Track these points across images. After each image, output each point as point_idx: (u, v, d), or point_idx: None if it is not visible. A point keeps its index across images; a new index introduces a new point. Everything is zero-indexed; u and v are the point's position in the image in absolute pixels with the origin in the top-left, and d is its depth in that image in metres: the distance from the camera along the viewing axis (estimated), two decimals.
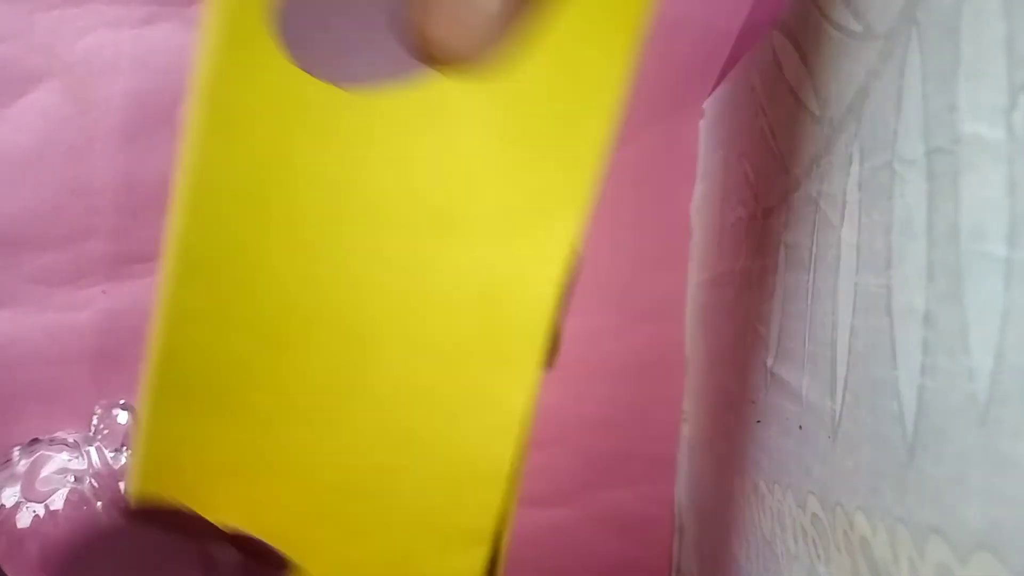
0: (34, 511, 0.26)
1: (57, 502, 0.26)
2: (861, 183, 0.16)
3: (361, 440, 0.18)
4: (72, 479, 0.26)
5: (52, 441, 0.28)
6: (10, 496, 0.26)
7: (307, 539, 0.19)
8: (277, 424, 0.18)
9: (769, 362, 0.22)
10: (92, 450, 0.27)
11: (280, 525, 0.19)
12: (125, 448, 0.29)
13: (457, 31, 0.14)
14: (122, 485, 0.28)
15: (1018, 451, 0.10)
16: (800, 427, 0.19)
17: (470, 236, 0.17)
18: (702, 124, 0.34)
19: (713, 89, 0.33)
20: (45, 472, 0.27)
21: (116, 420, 0.29)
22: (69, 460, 0.27)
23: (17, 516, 0.26)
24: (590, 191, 0.17)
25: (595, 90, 0.16)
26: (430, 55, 0.14)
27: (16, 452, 0.28)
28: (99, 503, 0.26)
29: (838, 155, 0.18)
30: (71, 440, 0.28)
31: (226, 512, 0.19)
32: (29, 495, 0.26)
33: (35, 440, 0.28)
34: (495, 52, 0.14)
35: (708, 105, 0.33)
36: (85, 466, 0.27)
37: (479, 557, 0.19)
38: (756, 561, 0.22)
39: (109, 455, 0.28)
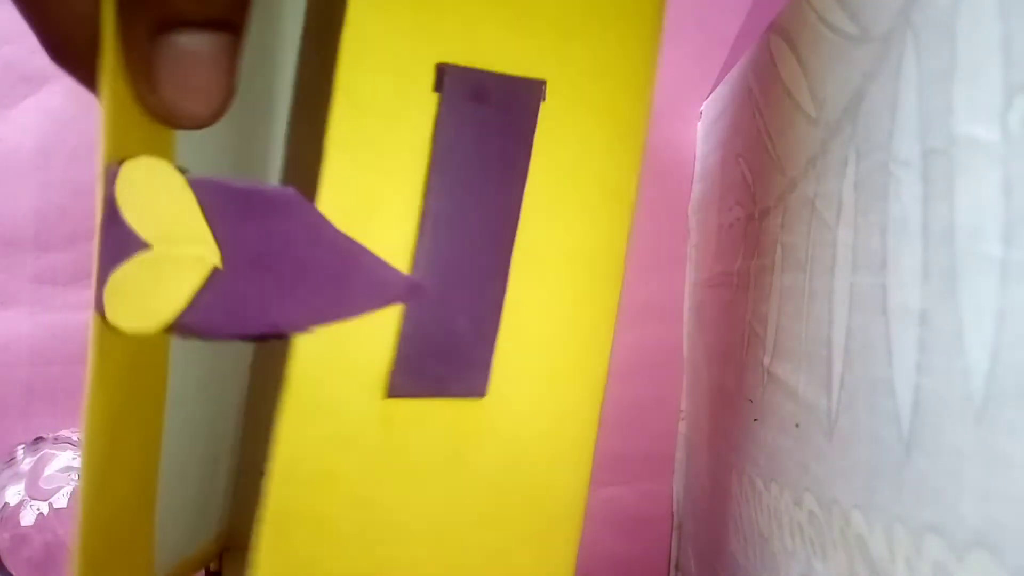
0: (38, 509, 0.26)
1: (61, 500, 0.26)
2: (857, 184, 0.16)
3: None
4: (76, 477, 0.26)
5: (56, 439, 0.28)
6: (14, 494, 0.26)
7: None
8: None
9: (766, 361, 0.22)
10: None
11: None
12: None
13: (191, 94, 0.14)
14: None
15: (1014, 449, 0.10)
16: (797, 425, 0.19)
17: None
18: (700, 126, 0.34)
19: (711, 91, 0.33)
20: (49, 470, 0.27)
21: None
22: (73, 458, 0.27)
23: (21, 514, 0.26)
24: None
25: None
26: (169, 119, 0.15)
27: (20, 450, 0.28)
28: None
29: (834, 156, 0.18)
30: (75, 438, 0.28)
31: None
32: (33, 493, 0.26)
33: (39, 438, 0.28)
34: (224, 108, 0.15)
35: (706, 107, 0.33)
36: None
37: None
38: (753, 558, 0.22)
39: None
